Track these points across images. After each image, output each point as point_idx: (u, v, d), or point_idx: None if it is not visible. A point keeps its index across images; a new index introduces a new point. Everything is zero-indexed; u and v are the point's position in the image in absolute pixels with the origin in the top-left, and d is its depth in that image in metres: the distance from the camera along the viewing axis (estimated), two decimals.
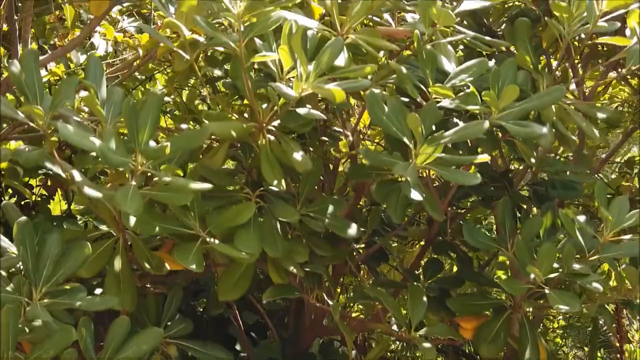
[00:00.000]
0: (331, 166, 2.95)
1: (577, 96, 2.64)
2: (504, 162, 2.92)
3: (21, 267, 1.99)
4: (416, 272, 2.87)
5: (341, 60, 2.13)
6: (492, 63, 2.43)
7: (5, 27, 2.85)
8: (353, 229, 2.37)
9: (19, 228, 1.91)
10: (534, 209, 2.86)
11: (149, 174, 2.05)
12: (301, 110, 2.04)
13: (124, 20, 3.42)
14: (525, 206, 2.76)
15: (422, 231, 3.06)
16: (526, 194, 2.80)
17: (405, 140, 2.12)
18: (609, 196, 2.45)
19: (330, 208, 2.40)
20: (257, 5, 2.02)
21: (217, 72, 2.27)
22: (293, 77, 2.10)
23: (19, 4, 2.99)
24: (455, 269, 3.59)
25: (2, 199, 3.29)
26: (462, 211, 3.08)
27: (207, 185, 1.92)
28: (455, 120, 2.42)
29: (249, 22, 2.06)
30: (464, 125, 2.14)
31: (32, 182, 3.41)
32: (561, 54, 2.50)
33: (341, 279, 3.32)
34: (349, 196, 3.00)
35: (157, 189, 2.01)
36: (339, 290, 3.25)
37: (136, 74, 3.23)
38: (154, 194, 2.01)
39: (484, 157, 2.11)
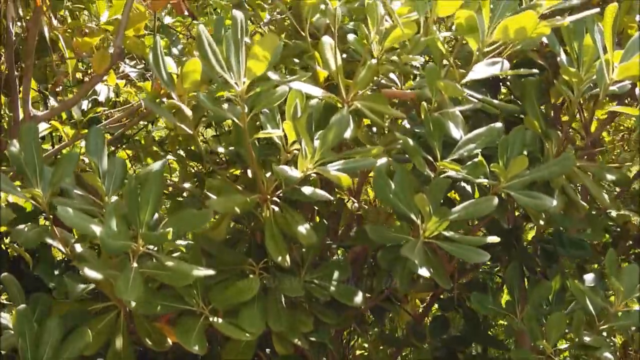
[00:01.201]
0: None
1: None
2: (511, 217, 2.87)
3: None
4: (422, 328, 2.83)
5: (347, 133, 2.09)
6: (499, 124, 2.41)
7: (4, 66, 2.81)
8: (359, 297, 2.33)
9: (18, 318, 1.87)
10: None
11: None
12: (306, 190, 2.00)
13: (125, 64, 3.39)
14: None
15: (428, 285, 3.01)
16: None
17: (413, 216, 2.08)
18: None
19: (336, 274, 2.35)
20: (260, 82, 1.98)
21: (220, 149, 2.23)
22: (297, 150, 2.07)
23: (20, 47, 2.96)
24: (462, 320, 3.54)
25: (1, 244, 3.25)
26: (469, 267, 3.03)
27: (210, 272, 1.88)
28: (462, 184, 2.38)
29: (253, 93, 2.02)
30: (473, 202, 2.10)
31: None
32: (570, 115, 2.46)
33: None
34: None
35: (159, 268, 1.97)
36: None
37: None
38: (156, 273, 1.97)
39: (493, 239, 2.07)
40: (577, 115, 2.66)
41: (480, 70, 2.19)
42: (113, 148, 3.43)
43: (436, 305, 3.06)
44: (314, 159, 1.99)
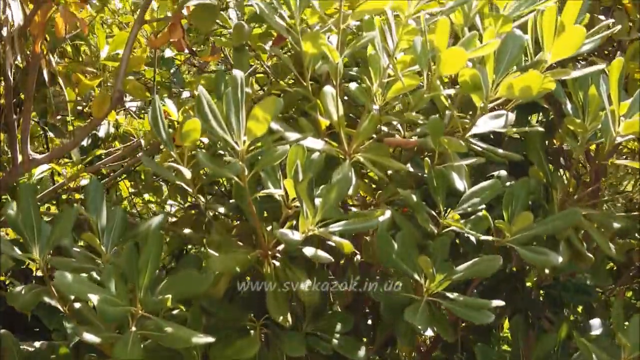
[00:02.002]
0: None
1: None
2: (515, 258, 2.84)
3: None
4: None
5: (350, 190, 2.06)
6: (504, 173, 2.38)
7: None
8: (362, 351, 2.30)
9: None
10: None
11: None
12: (307, 251, 1.96)
13: (125, 97, 3.36)
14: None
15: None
16: None
17: (416, 276, 2.05)
18: None
19: (338, 326, 2.32)
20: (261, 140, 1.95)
21: (221, 209, 2.20)
22: (298, 207, 2.04)
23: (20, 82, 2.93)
24: None
25: None
26: None
27: (209, 339, 1.85)
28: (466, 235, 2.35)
29: (254, 153, 1.99)
30: (477, 261, 2.07)
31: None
32: (574, 162, 2.43)
33: None
34: None
35: (158, 331, 1.94)
36: None
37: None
38: (156, 335, 1.94)
39: (498, 303, 2.04)
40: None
41: (484, 125, 2.16)
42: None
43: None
44: (315, 219, 1.96)
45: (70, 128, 3.29)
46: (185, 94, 3.36)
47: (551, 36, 2.06)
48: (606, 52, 2.82)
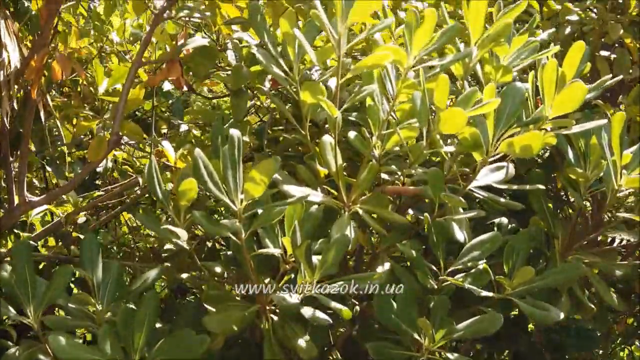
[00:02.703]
0: None
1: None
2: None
3: None
4: None
5: (349, 246, 2.03)
6: (505, 221, 2.36)
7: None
8: None
9: None
10: None
11: None
12: (305, 312, 1.94)
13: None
14: None
15: None
16: None
17: (416, 336, 2.02)
18: None
19: None
20: (259, 202, 1.93)
21: (217, 269, 2.18)
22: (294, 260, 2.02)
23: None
24: None
25: None
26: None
27: None
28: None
29: (251, 212, 1.97)
30: (479, 319, 2.05)
31: None
32: (575, 210, 2.40)
33: None
34: None
35: None
36: None
37: None
38: None
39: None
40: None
41: (484, 178, 2.13)
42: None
43: None
44: (313, 278, 1.93)
45: (69, 159, 3.27)
46: (184, 127, 3.34)
47: (552, 91, 2.03)
48: (608, 93, 2.80)
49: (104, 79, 3.09)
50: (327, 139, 2.23)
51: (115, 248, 3.43)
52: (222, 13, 2.72)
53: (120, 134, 2.55)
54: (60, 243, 3.07)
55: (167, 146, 2.63)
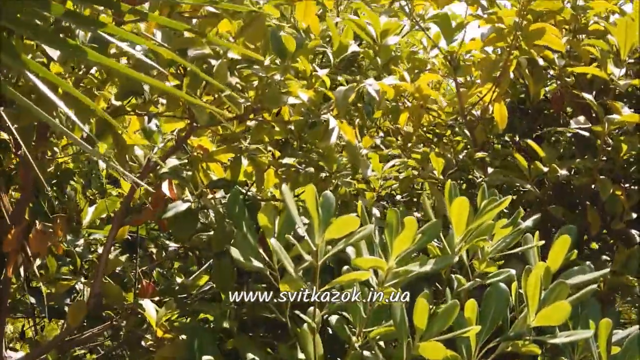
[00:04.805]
0: None
1: None
2: None
3: None
4: None
5: None
6: None
7: None
8: None
9: None
10: None
11: None
12: None
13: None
14: None
15: None
16: None
17: None
18: None
19: None
20: None
21: None
22: None
23: None
24: None
25: None
26: None
27: None
28: None
29: None
30: None
31: None
32: None
33: None
34: None
35: None
36: None
37: None
38: None
39: None
40: None
41: None
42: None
43: None
44: None
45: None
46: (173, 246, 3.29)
47: (536, 302, 1.98)
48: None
49: (87, 214, 3.07)
50: (307, 327, 2.18)
51: None
52: (204, 168, 2.69)
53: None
54: None
55: (148, 307, 2.58)
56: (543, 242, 2.18)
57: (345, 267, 2.09)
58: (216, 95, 2.28)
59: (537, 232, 2.22)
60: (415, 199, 3.03)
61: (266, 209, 2.13)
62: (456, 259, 2.10)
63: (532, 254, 2.20)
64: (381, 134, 3.31)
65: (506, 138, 3.17)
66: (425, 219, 2.29)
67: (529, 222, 2.24)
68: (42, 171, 2.50)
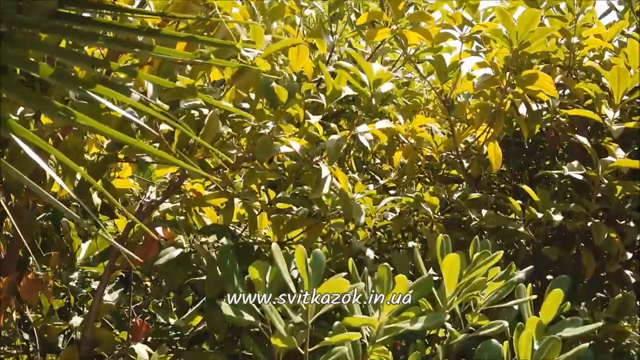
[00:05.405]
0: None
1: None
2: None
3: None
4: None
5: None
6: None
7: None
8: None
9: None
10: None
11: None
12: None
13: None
14: None
15: None
16: None
17: None
18: None
19: None
20: None
21: None
22: None
23: None
24: None
25: None
26: None
27: None
28: None
29: None
30: None
31: None
32: None
33: None
34: None
35: None
36: None
37: None
38: None
39: None
40: None
41: None
42: None
43: None
44: None
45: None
46: None
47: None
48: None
49: (81, 251, 3.05)
50: None
51: None
52: (197, 212, 2.68)
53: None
54: None
55: (140, 350, 2.57)
56: (535, 296, 2.17)
57: (337, 323, 2.08)
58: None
59: (529, 285, 2.21)
60: (408, 234, 3.02)
61: (258, 265, 2.12)
62: (447, 317, 2.09)
63: (525, 308, 2.19)
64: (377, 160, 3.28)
65: (503, 168, 3.14)
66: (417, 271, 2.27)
67: (521, 275, 2.22)
68: (33, 219, 2.48)
